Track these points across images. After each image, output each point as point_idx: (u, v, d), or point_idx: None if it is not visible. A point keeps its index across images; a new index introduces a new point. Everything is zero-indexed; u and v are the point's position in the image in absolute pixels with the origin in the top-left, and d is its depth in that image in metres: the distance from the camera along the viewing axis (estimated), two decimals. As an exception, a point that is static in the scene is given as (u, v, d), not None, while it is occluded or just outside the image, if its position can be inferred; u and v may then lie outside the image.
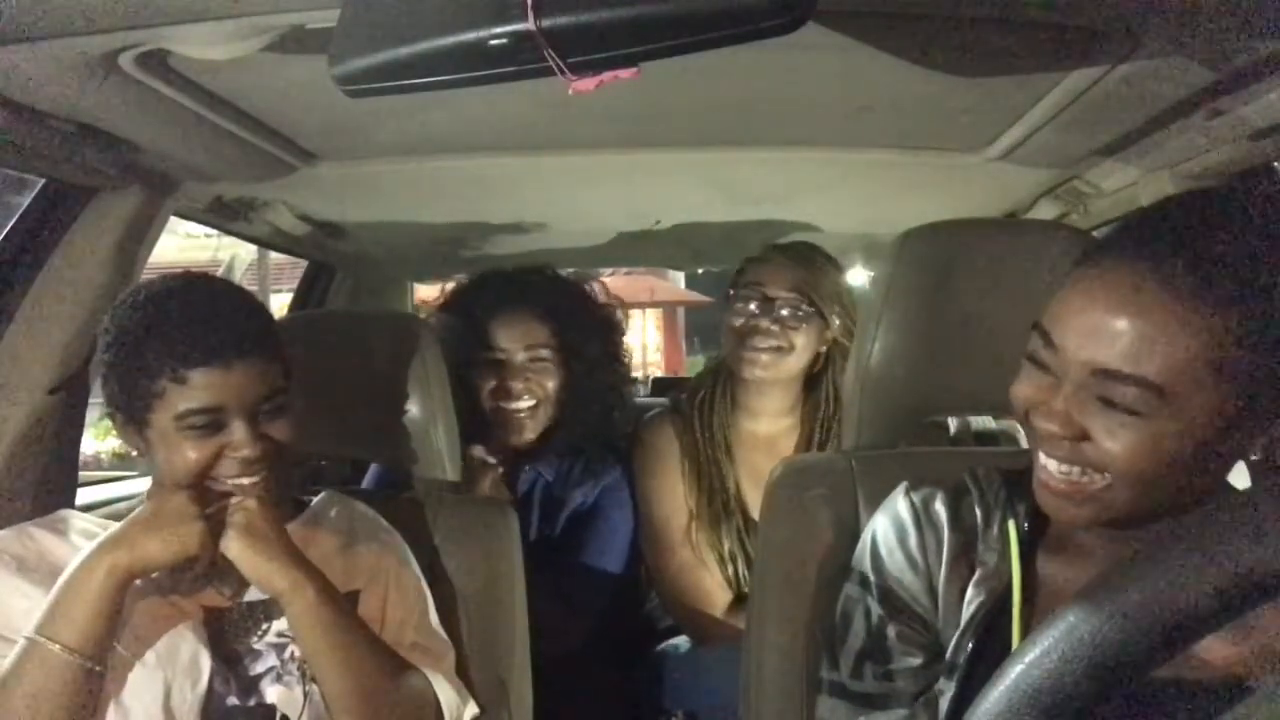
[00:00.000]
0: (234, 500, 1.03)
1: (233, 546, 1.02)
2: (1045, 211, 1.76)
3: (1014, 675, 0.52)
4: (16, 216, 1.34)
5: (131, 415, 1.04)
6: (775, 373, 1.66)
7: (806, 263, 1.68)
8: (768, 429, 1.74)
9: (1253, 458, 0.79)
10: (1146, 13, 0.93)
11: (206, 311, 1.03)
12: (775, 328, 1.64)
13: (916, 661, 0.90)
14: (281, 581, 1.02)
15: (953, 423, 2.00)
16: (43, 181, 1.32)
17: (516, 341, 1.69)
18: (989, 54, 1.08)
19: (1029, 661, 0.52)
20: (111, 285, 1.36)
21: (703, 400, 1.75)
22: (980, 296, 1.13)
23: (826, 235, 2.23)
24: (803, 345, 1.65)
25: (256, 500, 1.04)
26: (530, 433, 1.70)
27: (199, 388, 0.99)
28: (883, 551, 0.95)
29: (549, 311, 1.71)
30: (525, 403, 1.69)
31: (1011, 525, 0.89)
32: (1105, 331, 0.74)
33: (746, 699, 1.17)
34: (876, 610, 0.93)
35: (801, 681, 1.09)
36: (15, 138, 1.11)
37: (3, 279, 1.32)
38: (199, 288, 1.07)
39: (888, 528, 0.96)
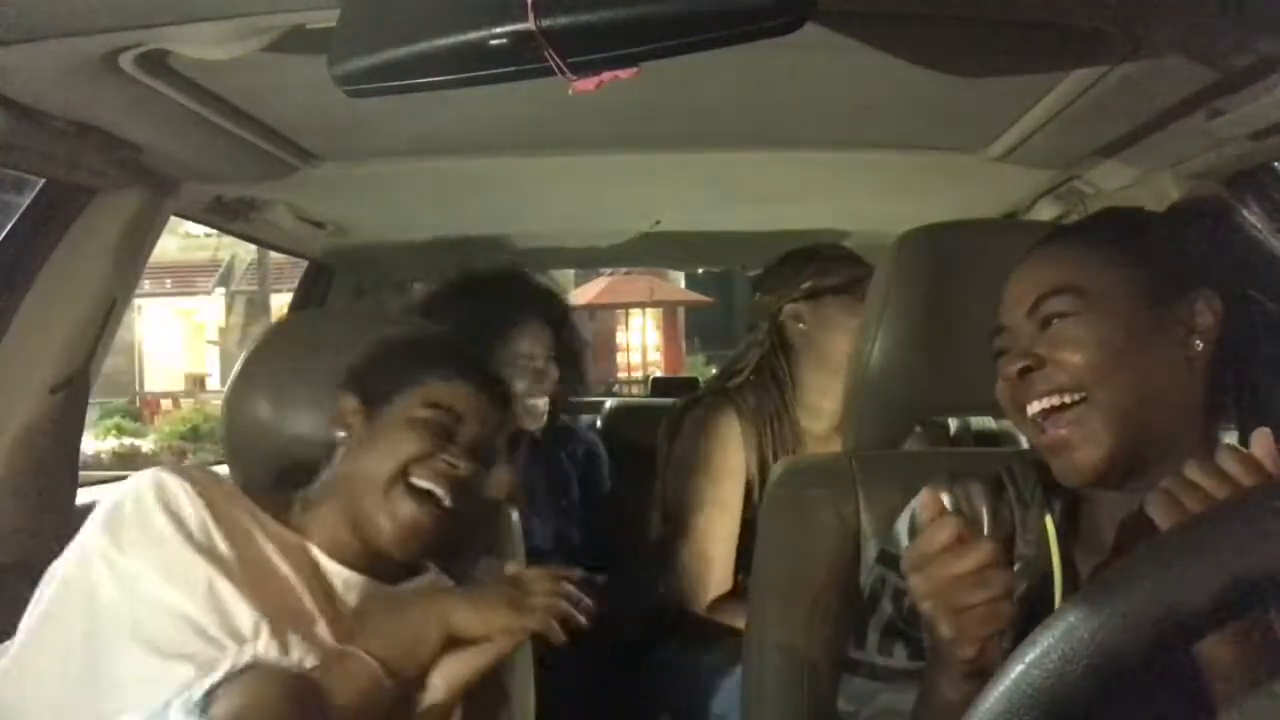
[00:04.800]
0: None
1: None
2: (1045, 212, 1.76)
3: (1014, 675, 0.52)
4: (16, 216, 1.34)
5: (372, 395, 1.07)
6: None
7: None
8: (823, 428, 1.75)
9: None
10: (1146, 13, 0.93)
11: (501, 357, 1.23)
12: None
13: None
14: None
15: (953, 423, 2.00)
16: (43, 181, 1.32)
17: (541, 348, 1.83)
18: (989, 54, 1.08)
19: (1029, 661, 0.52)
20: (111, 285, 1.36)
21: (761, 393, 1.74)
22: (980, 296, 1.13)
23: (826, 235, 2.23)
24: None
25: None
26: (545, 417, 1.87)
27: (459, 397, 1.06)
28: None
29: (552, 323, 1.87)
30: (545, 397, 1.84)
31: (1048, 518, 0.91)
32: (1028, 282, 0.89)
33: (746, 699, 1.17)
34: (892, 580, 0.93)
35: (802, 681, 1.09)
36: (15, 138, 1.11)
37: (3, 279, 1.32)
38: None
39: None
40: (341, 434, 1.08)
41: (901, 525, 0.98)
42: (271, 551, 0.99)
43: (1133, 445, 0.84)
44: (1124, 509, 0.87)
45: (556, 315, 1.91)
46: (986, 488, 0.95)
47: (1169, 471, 0.81)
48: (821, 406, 1.73)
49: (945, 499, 0.94)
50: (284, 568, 0.99)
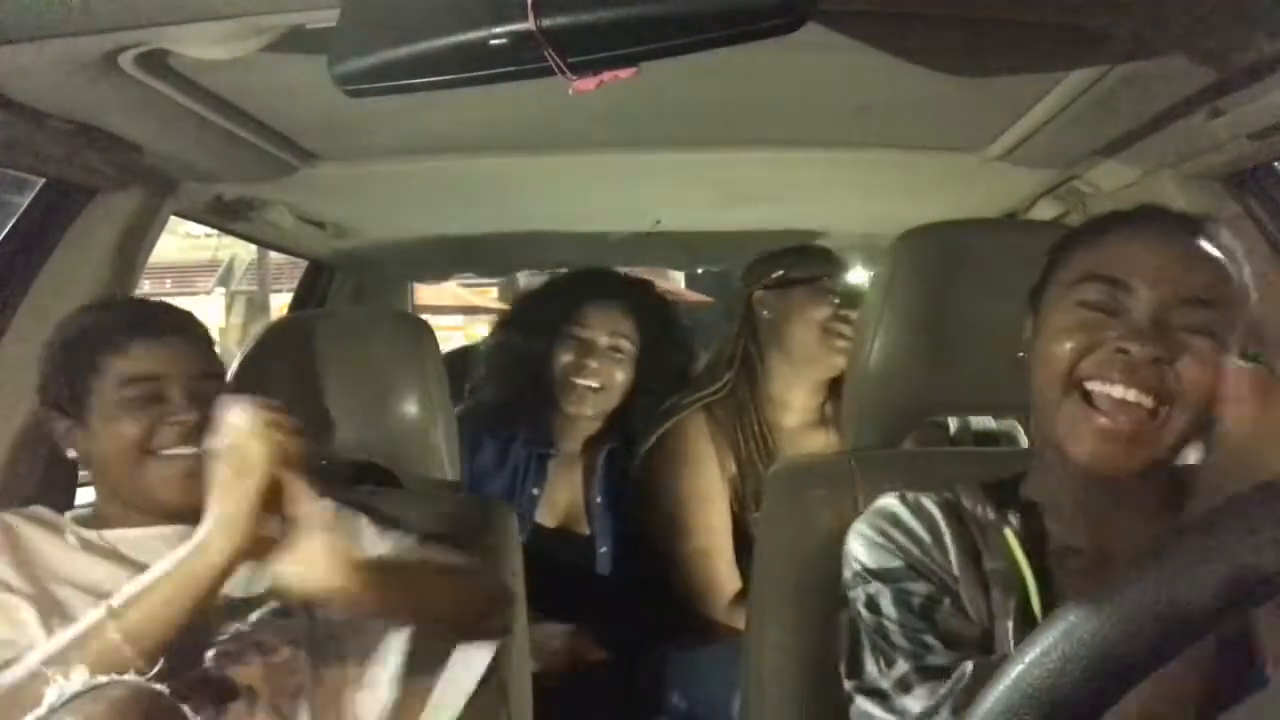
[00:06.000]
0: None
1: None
2: (1045, 211, 1.76)
3: (1014, 675, 0.52)
4: (16, 216, 1.34)
5: (75, 406, 1.09)
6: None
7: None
8: (795, 422, 1.79)
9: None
10: (1147, 13, 0.93)
11: (140, 303, 1.21)
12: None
13: (947, 616, 0.88)
14: None
15: (953, 423, 2.00)
16: (43, 181, 1.32)
17: (604, 326, 1.81)
18: (989, 54, 1.08)
19: (1029, 661, 0.52)
20: (111, 285, 1.36)
21: (732, 393, 1.78)
22: (980, 296, 1.13)
23: (826, 235, 2.23)
24: None
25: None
26: (590, 409, 1.82)
27: (137, 357, 1.08)
28: (878, 538, 0.94)
29: (637, 310, 1.85)
30: (595, 382, 1.80)
31: (1009, 532, 0.91)
32: (1186, 267, 0.85)
33: (746, 699, 1.17)
34: (885, 591, 0.91)
35: (801, 681, 1.09)
36: (15, 138, 1.11)
37: (3, 279, 1.32)
38: (126, 298, 1.25)
39: (876, 519, 0.95)
40: (73, 454, 1.12)
41: (854, 541, 0.96)
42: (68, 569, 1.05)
43: (1173, 454, 0.84)
44: (1106, 501, 0.88)
45: (639, 303, 1.85)
46: (935, 496, 0.96)
47: (1154, 484, 0.85)
48: (788, 400, 1.78)
49: (902, 509, 0.95)
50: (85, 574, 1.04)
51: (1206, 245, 0.87)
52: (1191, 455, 0.87)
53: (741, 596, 1.67)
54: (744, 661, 1.18)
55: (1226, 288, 0.86)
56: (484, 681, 1.18)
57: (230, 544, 0.95)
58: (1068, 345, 0.86)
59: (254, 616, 1.08)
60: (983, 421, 2.08)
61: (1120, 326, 0.84)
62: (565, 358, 1.79)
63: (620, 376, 1.81)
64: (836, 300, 1.73)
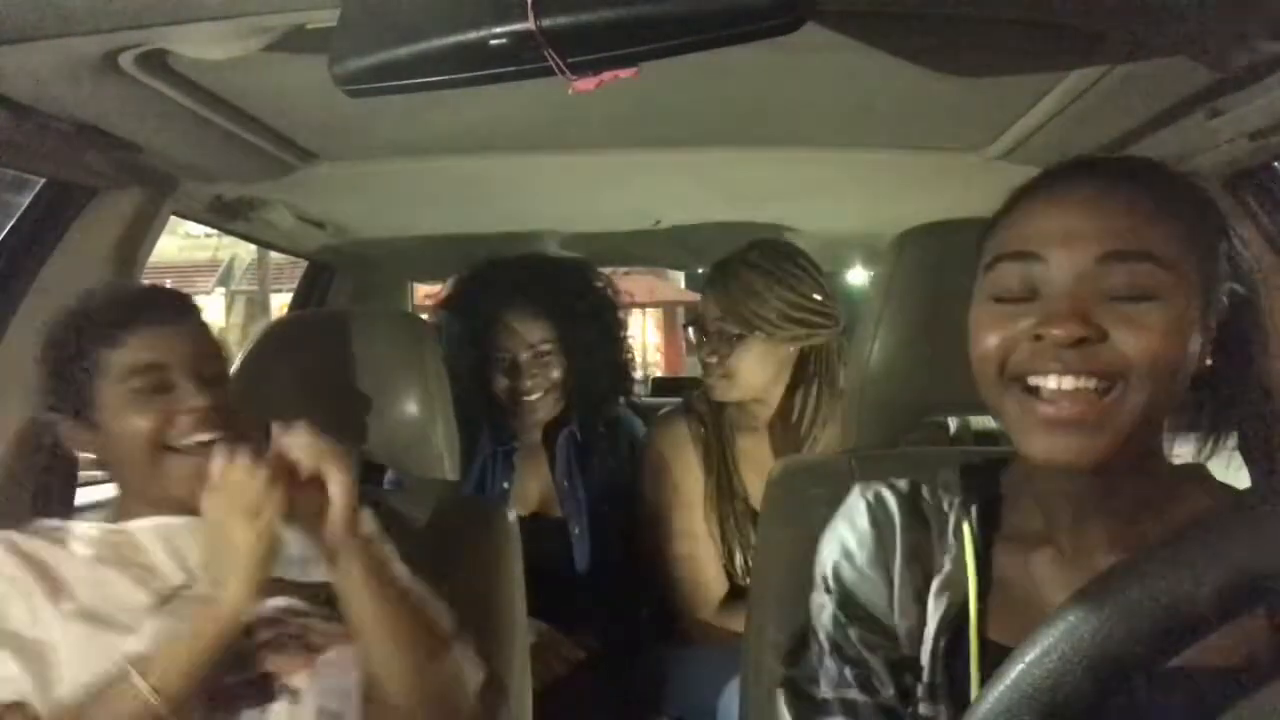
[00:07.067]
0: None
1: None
2: (1045, 211, 1.75)
3: (1014, 675, 0.52)
4: (16, 216, 1.34)
5: (77, 403, 1.05)
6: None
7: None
8: (747, 421, 1.76)
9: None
10: (1146, 13, 0.93)
11: (132, 290, 1.12)
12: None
13: (881, 670, 0.86)
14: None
15: (953, 423, 2.00)
16: (43, 181, 1.32)
17: (519, 343, 1.81)
18: (989, 54, 1.08)
19: (1029, 661, 0.52)
20: (112, 285, 1.36)
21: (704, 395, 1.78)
22: None
23: (826, 235, 2.23)
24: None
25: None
26: (543, 414, 1.86)
27: (137, 347, 1.04)
28: (840, 556, 0.91)
29: (547, 309, 1.83)
30: (533, 395, 1.82)
31: (966, 527, 0.86)
32: (1097, 223, 0.73)
33: (746, 699, 1.17)
34: (839, 617, 0.89)
35: None
36: (16, 138, 1.11)
37: (3, 279, 1.32)
38: (119, 283, 1.17)
39: (846, 532, 0.92)
40: (86, 454, 1.11)
41: (822, 544, 0.94)
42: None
43: (1139, 437, 0.74)
44: (1075, 502, 0.81)
45: (549, 299, 1.82)
46: (900, 494, 0.91)
47: (1140, 464, 0.76)
48: (742, 405, 1.74)
49: (860, 506, 0.93)
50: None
51: (1132, 186, 0.75)
52: (1179, 445, 0.81)
53: (730, 599, 1.68)
54: (744, 662, 1.18)
55: (1167, 233, 0.73)
56: (485, 682, 1.19)
57: (248, 594, 0.94)
58: (989, 342, 0.77)
59: (275, 602, 1.06)
60: (983, 421, 2.08)
61: (1037, 312, 0.74)
62: (499, 381, 1.81)
63: (556, 374, 1.83)
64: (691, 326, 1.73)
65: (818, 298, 1.66)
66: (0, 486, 1.29)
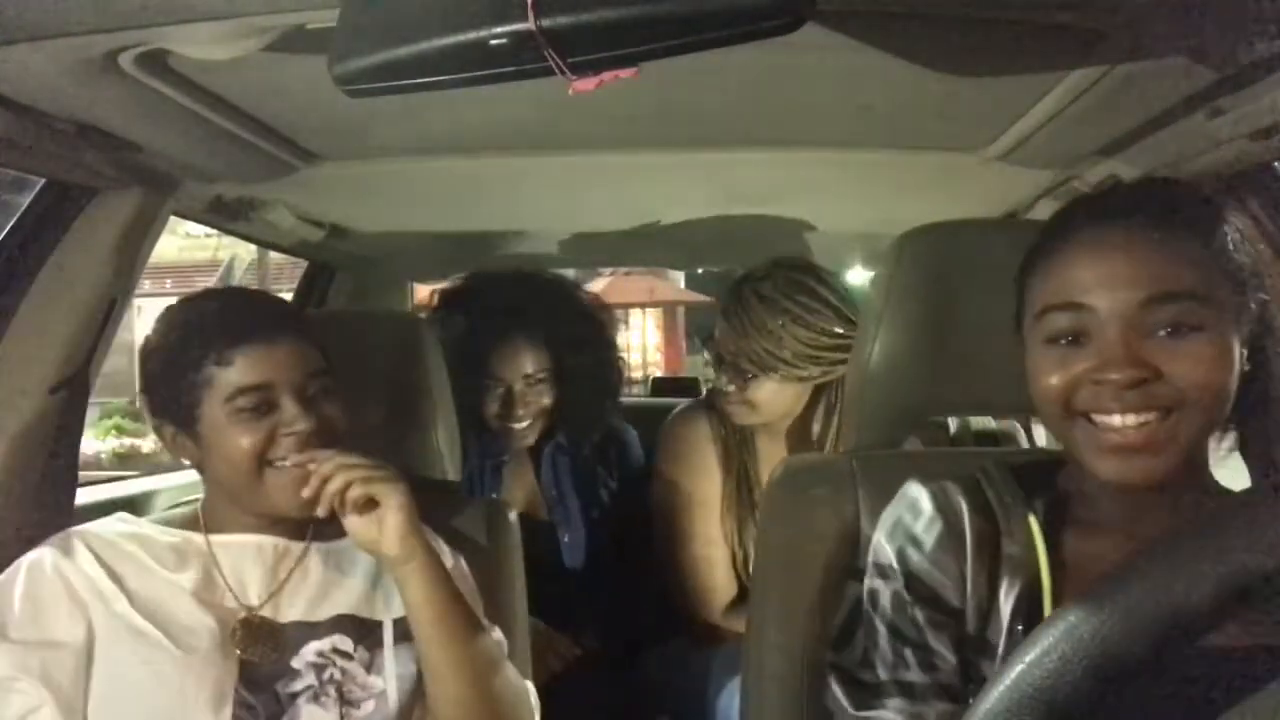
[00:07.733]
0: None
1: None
2: (1045, 212, 1.75)
3: (1014, 675, 0.52)
4: (16, 216, 1.34)
5: (182, 417, 1.06)
6: None
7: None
8: (755, 420, 1.74)
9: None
10: (1146, 13, 0.93)
11: (241, 302, 1.12)
12: None
13: (944, 650, 0.88)
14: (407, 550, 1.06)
15: (953, 423, 2.00)
16: (43, 181, 1.32)
17: (515, 373, 1.80)
18: (989, 54, 1.08)
19: (1029, 661, 0.52)
20: (111, 285, 1.36)
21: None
22: (980, 296, 1.13)
23: (826, 235, 2.23)
24: None
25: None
26: (531, 438, 1.86)
27: (244, 367, 1.04)
28: (905, 543, 0.93)
29: (545, 339, 1.83)
30: (525, 422, 1.82)
31: (1032, 518, 0.89)
32: (1144, 262, 0.81)
33: (746, 699, 1.17)
34: (903, 598, 0.91)
35: (802, 682, 1.09)
36: (16, 138, 1.11)
37: (3, 279, 1.32)
38: (229, 290, 1.18)
39: (909, 520, 0.94)
40: (187, 462, 1.10)
41: (881, 533, 0.96)
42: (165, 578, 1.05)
43: (1196, 451, 0.83)
44: (1137, 504, 0.86)
45: (542, 327, 1.82)
46: (963, 485, 0.94)
47: (1189, 472, 0.83)
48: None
49: (925, 499, 0.95)
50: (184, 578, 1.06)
51: (1164, 228, 0.82)
52: (1224, 447, 0.87)
53: (738, 601, 1.67)
54: (744, 662, 1.18)
55: (1203, 268, 0.81)
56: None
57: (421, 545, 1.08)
58: (1051, 383, 0.85)
59: (320, 645, 1.08)
60: (983, 421, 2.08)
61: (1093, 356, 0.82)
62: (491, 408, 1.81)
63: (548, 400, 1.83)
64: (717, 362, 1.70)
65: (839, 330, 1.59)
66: (1, 486, 1.29)
